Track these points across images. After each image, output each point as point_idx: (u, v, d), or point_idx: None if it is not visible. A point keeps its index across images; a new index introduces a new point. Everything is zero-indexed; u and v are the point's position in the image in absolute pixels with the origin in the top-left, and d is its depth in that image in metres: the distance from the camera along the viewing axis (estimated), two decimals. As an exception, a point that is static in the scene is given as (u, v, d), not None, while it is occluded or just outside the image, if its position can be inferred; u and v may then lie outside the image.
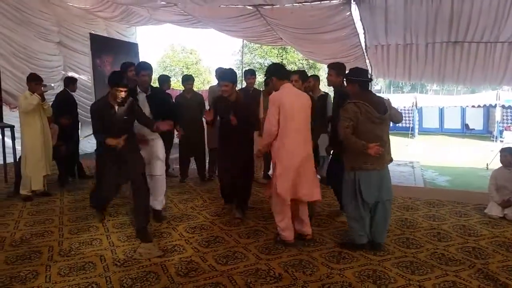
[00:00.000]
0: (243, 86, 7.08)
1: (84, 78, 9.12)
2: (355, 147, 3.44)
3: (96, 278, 3.11)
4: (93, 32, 9.05)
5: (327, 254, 3.62)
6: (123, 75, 3.98)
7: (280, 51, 23.51)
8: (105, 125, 3.82)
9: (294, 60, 23.41)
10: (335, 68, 4.47)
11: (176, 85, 21.75)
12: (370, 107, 3.45)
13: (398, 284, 3.07)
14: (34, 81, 5.12)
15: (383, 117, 3.51)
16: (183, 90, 6.54)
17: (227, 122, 4.43)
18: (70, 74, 8.82)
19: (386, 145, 3.57)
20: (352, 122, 3.46)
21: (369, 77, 3.65)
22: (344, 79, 4.04)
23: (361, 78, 3.63)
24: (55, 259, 3.41)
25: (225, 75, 4.50)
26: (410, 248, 3.80)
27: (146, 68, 4.46)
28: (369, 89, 3.67)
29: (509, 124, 17.95)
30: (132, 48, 9.84)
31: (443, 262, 3.49)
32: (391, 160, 3.74)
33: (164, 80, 6.45)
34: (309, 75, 5.39)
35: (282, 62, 23.44)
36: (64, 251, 3.62)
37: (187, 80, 6.45)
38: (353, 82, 3.65)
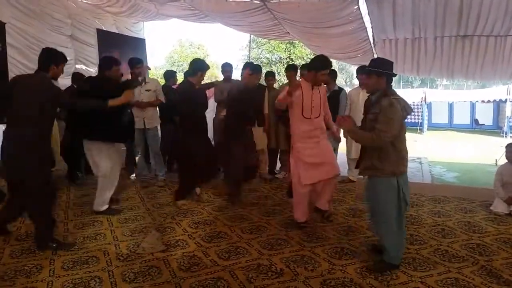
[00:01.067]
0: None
1: (93, 70, 9.14)
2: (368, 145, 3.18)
3: (99, 272, 3.14)
4: (102, 26, 9.06)
5: (329, 250, 3.62)
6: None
7: (288, 45, 23.41)
8: None
9: (302, 55, 23.30)
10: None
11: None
12: (407, 104, 3.11)
13: (400, 280, 3.06)
14: None
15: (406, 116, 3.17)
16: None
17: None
18: (79, 66, 8.88)
19: None
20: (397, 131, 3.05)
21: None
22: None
23: (388, 71, 3.20)
24: (59, 253, 3.45)
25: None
26: (414, 244, 3.77)
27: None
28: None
29: (520, 119, 17.70)
30: (139, 43, 9.85)
31: (446, 258, 3.47)
32: None
33: (170, 75, 6.48)
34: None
35: (289, 56, 23.38)
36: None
37: (171, 76, 6.57)
38: (379, 75, 3.17)
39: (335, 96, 5.97)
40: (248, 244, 3.75)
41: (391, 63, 3.28)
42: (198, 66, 4.77)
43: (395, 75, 3.29)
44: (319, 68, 4.01)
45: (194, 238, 3.87)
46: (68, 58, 3.94)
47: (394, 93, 3.15)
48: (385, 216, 3.21)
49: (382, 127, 3.01)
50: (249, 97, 5.00)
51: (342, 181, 6.03)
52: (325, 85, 5.04)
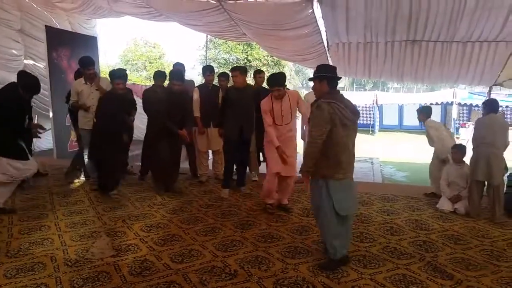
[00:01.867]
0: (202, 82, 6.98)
1: (42, 66, 8.74)
2: (314, 156, 3.18)
3: (46, 279, 3.01)
4: (54, 21, 8.70)
5: (283, 250, 3.65)
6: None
7: (245, 47, 23.47)
8: None
9: (259, 56, 23.43)
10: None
11: (138, 79, 21.36)
12: (345, 109, 3.15)
13: (350, 278, 3.14)
14: None
15: (354, 120, 3.24)
16: (153, 85, 6.28)
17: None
18: (28, 62, 8.50)
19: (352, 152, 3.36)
20: (325, 130, 3.11)
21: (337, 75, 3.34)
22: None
23: (330, 74, 3.32)
24: (1, 261, 3.27)
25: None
26: (364, 242, 3.88)
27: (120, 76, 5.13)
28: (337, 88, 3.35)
29: (465, 122, 18.64)
30: (90, 41, 9.51)
31: (395, 255, 3.59)
32: None
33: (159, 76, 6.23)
34: (274, 72, 5.59)
35: (247, 58, 23.45)
36: (12, 251, 3.48)
37: (161, 77, 6.24)
38: (321, 79, 3.29)
39: None
40: (202, 246, 3.72)
41: (333, 67, 3.43)
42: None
43: (337, 78, 3.37)
44: (270, 85, 4.61)
45: (146, 242, 3.79)
46: (17, 53, 3.79)
47: (332, 97, 3.20)
48: (321, 215, 3.35)
49: (310, 128, 3.21)
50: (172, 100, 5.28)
51: (297, 182, 6.09)
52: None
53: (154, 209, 4.79)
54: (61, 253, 3.46)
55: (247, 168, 6.17)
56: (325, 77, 3.29)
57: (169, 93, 5.32)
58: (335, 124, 3.12)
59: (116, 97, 5.13)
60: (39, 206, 4.74)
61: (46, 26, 8.09)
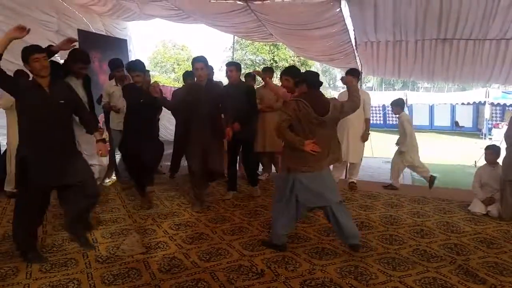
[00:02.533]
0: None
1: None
2: (292, 141, 3.43)
3: (78, 274, 3.09)
4: (89, 24, 8.93)
5: (310, 250, 3.64)
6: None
7: (272, 47, 23.47)
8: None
9: (286, 57, 23.39)
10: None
11: (167, 81, 21.67)
12: (310, 108, 3.41)
13: (379, 280, 3.09)
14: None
15: (320, 118, 3.45)
16: (183, 85, 6.38)
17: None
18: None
19: (327, 147, 3.55)
20: (289, 118, 3.44)
21: (318, 78, 3.65)
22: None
23: (307, 78, 3.66)
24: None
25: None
26: (393, 244, 3.82)
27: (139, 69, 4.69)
28: (318, 90, 3.65)
29: (498, 122, 18.08)
30: (120, 44, 9.74)
31: (424, 258, 3.52)
32: (338, 159, 3.79)
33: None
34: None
35: (273, 58, 23.44)
36: (46, 247, 3.60)
37: (189, 76, 6.31)
38: (300, 83, 3.68)
39: None
40: (230, 245, 3.74)
41: (315, 73, 3.74)
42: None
43: (316, 81, 3.62)
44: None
45: (175, 240, 3.84)
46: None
47: (302, 96, 3.51)
48: (275, 200, 3.69)
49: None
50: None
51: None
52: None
53: (182, 208, 4.86)
54: (92, 250, 3.54)
55: (259, 167, 6.13)
56: (304, 80, 3.65)
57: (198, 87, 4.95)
58: (298, 119, 3.43)
59: (135, 89, 4.79)
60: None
61: (78, 29, 8.33)
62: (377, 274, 3.19)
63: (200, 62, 4.68)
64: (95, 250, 3.54)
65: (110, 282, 2.98)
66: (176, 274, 3.12)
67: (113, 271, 3.15)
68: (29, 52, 3.15)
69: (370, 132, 6.11)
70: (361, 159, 6.17)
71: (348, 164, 6.18)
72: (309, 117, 3.42)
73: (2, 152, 5.58)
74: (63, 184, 3.39)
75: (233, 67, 5.24)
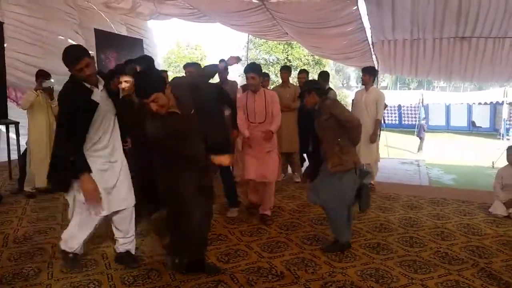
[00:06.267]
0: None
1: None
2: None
3: (98, 275, 3.11)
4: (110, 23, 9.01)
5: (329, 253, 3.60)
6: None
7: (286, 46, 23.38)
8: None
9: (300, 56, 23.28)
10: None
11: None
12: None
13: (400, 283, 3.05)
14: (38, 78, 5.18)
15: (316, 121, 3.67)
16: None
17: None
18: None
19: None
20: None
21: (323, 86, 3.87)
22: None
23: (314, 86, 3.76)
24: (58, 256, 3.40)
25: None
26: (414, 247, 3.77)
27: None
28: (325, 95, 3.76)
29: (516, 122, 17.79)
30: (136, 43, 9.80)
31: (446, 261, 3.46)
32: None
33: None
34: (316, 71, 5.53)
35: (287, 58, 23.37)
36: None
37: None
38: (309, 92, 3.70)
39: None
40: (248, 247, 3.73)
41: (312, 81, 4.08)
42: None
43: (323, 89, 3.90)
44: (246, 70, 4.30)
45: (193, 240, 3.84)
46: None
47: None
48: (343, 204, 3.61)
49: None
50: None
51: None
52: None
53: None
54: (112, 251, 3.55)
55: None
56: (313, 89, 3.70)
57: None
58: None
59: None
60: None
61: (95, 29, 8.40)
62: (398, 277, 3.14)
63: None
64: (114, 251, 3.55)
65: (130, 283, 2.99)
66: (196, 275, 3.11)
67: (133, 272, 3.16)
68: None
69: (379, 133, 6.01)
70: (378, 161, 6.07)
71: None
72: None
73: (22, 152, 5.65)
74: None
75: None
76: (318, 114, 3.65)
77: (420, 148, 15.17)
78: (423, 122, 16.71)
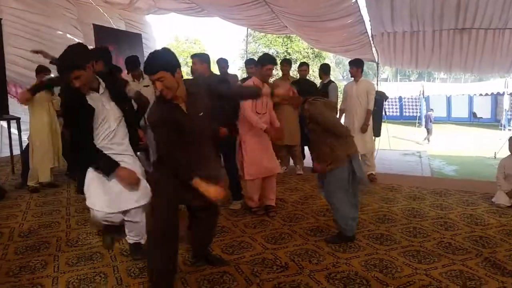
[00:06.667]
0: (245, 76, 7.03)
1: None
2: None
3: (104, 267, 3.13)
4: (109, 18, 8.99)
5: (333, 244, 3.61)
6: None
7: (285, 40, 23.33)
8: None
9: (299, 49, 23.23)
10: None
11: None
12: None
13: (404, 273, 3.06)
14: (38, 73, 5.21)
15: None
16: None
17: None
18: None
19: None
20: None
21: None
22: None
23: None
24: (63, 249, 3.44)
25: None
26: (417, 237, 3.78)
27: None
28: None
29: (517, 112, 17.77)
30: (135, 38, 9.78)
31: (450, 251, 3.47)
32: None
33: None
34: (316, 64, 5.56)
35: (287, 51, 23.32)
36: (71, 241, 3.64)
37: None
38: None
39: (325, 89, 6.20)
40: (252, 238, 3.75)
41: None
42: None
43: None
44: (265, 62, 4.22)
45: (197, 233, 3.86)
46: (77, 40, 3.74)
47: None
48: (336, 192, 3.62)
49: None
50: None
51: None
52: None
53: (202, 202, 4.87)
54: (117, 243, 3.57)
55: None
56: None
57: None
58: None
59: None
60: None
61: (93, 24, 8.38)
62: (402, 267, 3.16)
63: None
64: (119, 243, 3.57)
65: (136, 275, 3.01)
66: (201, 267, 3.13)
67: (138, 264, 3.17)
68: None
69: (380, 125, 6.03)
70: (374, 150, 6.09)
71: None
72: None
73: (24, 147, 5.67)
74: None
75: (195, 59, 4.62)
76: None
77: (427, 139, 15.22)
78: (430, 113, 16.74)
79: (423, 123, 19.52)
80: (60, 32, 7.95)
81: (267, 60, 4.27)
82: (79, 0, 8.63)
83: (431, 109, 17.52)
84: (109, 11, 9.32)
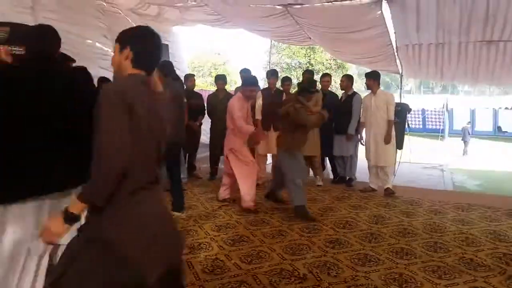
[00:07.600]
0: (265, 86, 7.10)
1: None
2: None
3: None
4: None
5: (352, 257, 3.60)
6: None
7: (308, 51, 23.34)
8: None
9: (322, 60, 23.20)
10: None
11: (204, 85, 21.99)
12: None
13: (424, 289, 3.03)
14: None
15: None
16: (216, 90, 6.71)
17: None
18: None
19: None
20: None
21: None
22: None
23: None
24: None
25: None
26: (438, 252, 3.73)
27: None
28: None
29: (545, 127, 17.32)
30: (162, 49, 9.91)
31: (471, 267, 3.41)
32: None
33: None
34: (339, 75, 5.71)
35: (309, 62, 23.33)
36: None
37: (219, 79, 6.63)
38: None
39: (349, 101, 6.29)
40: (270, 248, 3.76)
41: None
42: None
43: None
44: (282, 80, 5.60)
45: (216, 241, 3.90)
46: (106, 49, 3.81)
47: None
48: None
49: None
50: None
51: (364, 190, 5.97)
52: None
53: (222, 210, 4.92)
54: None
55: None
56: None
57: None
58: None
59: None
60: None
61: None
62: (422, 282, 3.12)
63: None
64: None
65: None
66: (219, 275, 3.16)
67: (158, 270, 3.22)
68: None
69: (403, 137, 6.01)
70: (394, 164, 6.05)
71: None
72: None
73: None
74: None
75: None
76: None
77: (465, 152, 15.36)
78: (467, 125, 16.73)
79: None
80: (90, 41, 8.15)
81: (284, 78, 5.90)
82: (108, 10, 8.85)
83: (469, 122, 17.38)
84: (138, 21, 9.52)
